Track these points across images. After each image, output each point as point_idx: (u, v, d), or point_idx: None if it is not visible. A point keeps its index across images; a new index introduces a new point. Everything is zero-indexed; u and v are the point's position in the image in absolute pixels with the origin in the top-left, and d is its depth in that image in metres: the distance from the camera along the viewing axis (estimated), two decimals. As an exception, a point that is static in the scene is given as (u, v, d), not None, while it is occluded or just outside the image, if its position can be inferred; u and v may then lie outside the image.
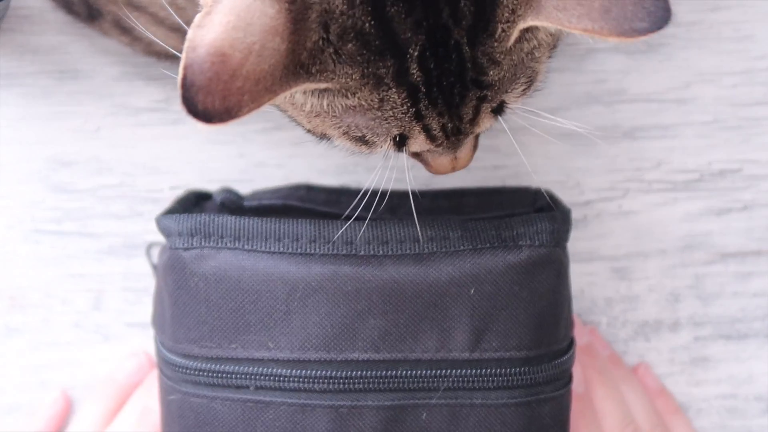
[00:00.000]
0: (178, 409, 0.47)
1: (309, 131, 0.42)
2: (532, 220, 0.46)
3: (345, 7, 0.36)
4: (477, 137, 0.44)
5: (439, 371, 0.45)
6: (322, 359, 0.45)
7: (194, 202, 0.53)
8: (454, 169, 0.44)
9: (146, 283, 0.59)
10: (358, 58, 0.37)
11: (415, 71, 0.37)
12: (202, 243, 0.46)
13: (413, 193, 0.44)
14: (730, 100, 0.60)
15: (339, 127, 0.40)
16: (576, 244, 0.50)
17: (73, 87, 0.59)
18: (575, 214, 0.50)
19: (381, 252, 0.45)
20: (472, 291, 0.45)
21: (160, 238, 0.48)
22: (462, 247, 0.45)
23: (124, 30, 0.52)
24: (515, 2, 0.37)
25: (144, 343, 0.59)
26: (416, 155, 0.44)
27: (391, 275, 0.45)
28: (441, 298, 0.45)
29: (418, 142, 0.40)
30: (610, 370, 0.59)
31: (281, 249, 0.45)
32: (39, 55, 0.58)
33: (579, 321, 0.60)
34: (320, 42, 0.36)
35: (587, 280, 0.61)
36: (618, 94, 0.60)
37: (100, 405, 0.56)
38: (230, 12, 0.34)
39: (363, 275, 0.45)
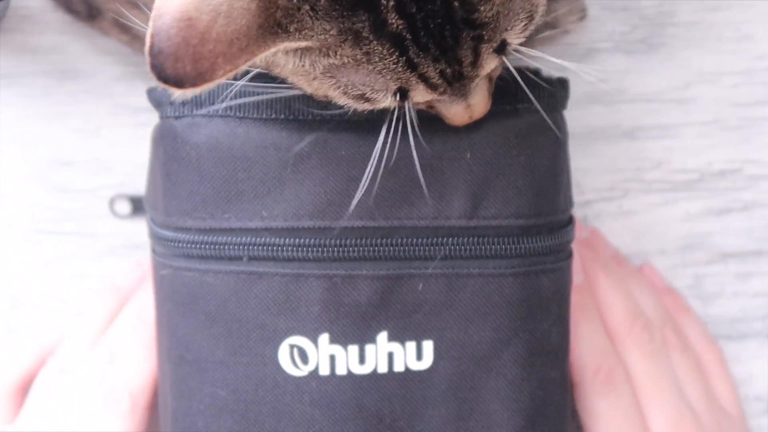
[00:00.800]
0: (170, 286, 0.46)
1: (311, 94, 0.41)
2: (530, 83, 0.44)
3: None
4: (491, 81, 0.42)
5: (435, 239, 0.44)
6: (316, 227, 0.44)
7: None
8: (471, 118, 0.42)
9: (146, 283, 0.59)
10: (333, 12, 0.36)
11: (393, 21, 0.36)
12: (194, 111, 0.45)
13: None
14: (730, 100, 0.60)
15: (338, 87, 0.39)
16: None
17: (73, 87, 0.59)
18: (575, 215, 0.50)
19: (375, 116, 0.43)
20: (468, 155, 0.44)
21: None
22: None
23: (124, 28, 0.52)
24: None
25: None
26: (430, 107, 0.42)
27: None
28: (437, 162, 0.44)
29: (419, 92, 0.39)
30: (615, 266, 0.57)
31: (273, 116, 0.44)
32: (39, 55, 0.58)
33: (580, 221, 0.58)
34: (295, 0, 0.36)
35: (587, 280, 0.61)
36: (618, 94, 0.60)
37: (102, 309, 0.56)
38: None
39: (357, 139, 0.43)
